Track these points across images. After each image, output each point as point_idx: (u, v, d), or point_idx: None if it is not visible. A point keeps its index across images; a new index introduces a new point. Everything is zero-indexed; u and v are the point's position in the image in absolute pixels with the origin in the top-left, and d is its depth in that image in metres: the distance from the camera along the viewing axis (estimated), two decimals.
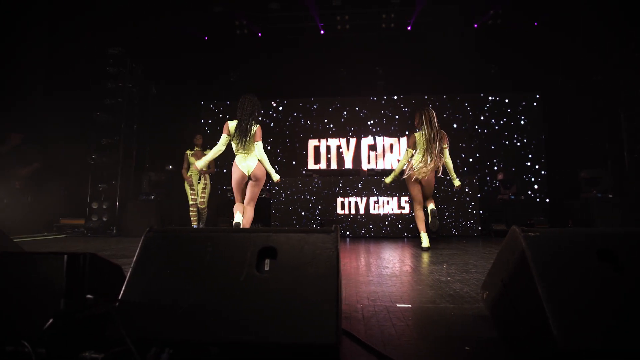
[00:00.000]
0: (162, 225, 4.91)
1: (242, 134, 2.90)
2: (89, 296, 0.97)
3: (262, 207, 5.10)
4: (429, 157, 3.38)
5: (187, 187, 4.81)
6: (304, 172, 6.84)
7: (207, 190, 4.88)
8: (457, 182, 3.66)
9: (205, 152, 4.64)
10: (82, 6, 5.60)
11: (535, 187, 6.44)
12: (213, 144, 6.39)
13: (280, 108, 7.38)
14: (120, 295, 0.98)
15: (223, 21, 7.33)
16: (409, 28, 7.42)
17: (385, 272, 2.28)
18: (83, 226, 4.96)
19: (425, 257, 3.04)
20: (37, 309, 0.97)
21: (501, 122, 6.82)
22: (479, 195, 5.08)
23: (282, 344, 0.90)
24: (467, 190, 4.99)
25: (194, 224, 4.80)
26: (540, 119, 6.69)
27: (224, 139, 2.96)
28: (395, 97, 7.26)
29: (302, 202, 5.13)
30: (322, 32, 7.69)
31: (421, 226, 3.59)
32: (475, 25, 7.20)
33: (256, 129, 2.96)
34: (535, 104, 6.77)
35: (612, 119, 5.47)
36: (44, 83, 5.47)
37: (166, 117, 6.77)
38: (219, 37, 7.54)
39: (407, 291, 1.77)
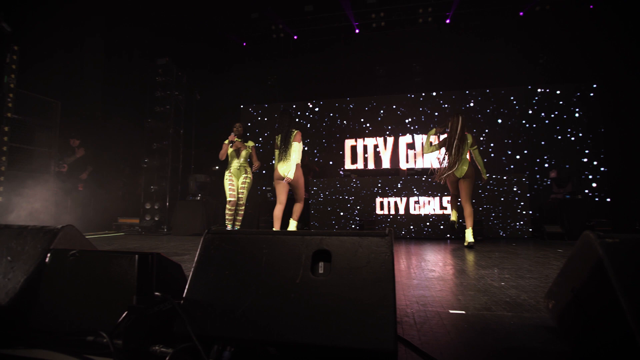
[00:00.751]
0: (207, 224, 5.15)
1: (283, 144, 3.57)
2: (157, 293, 1.04)
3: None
4: (450, 163, 3.75)
5: (226, 182, 4.21)
6: (341, 172, 6.83)
7: (247, 186, 4.27)
8: (484, 176, 3.95)
9: (246, 144, 4.30)
10: (131, 19, 6.03)
11: (594, 185, 5.91)
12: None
13: (317, 109, 7.43)
14: (184, 294, 1.04)
15: (260, 27, 7.55)
16: (447, 21, 7.16)
17: (432, 276, 2.21)
18: (138, 225, 5.35)
19: (472, 259, 2.90)
20: (112, 304, 1.05)
21: (552, 115, 6.35)
22: (528, 195, 4.77)
23: (339, 347, 0.90)
24: (515, 189, 4.70)
25: (228, 226, 4.18)
26: (598, 110, 6.14)
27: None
28: (434, 94, 7.02)
29: (340, 202, 5.13)
30: (357, 30, 7.64)
31: (466, 221, 3.79)
32: (521, 13, 6.77)
33: (295, 133, 3.59)
34: (592, 94, 6.22)
35: None
36: (101, 91, 5.97)
37: (209, 121, 7.10)
38: (256, 42, 7.77)
39: (458, 296, 1.70)
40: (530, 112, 6.48)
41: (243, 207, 4.34)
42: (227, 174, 4.22)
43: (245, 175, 4.25)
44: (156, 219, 5.23)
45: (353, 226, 5.02)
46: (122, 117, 5.53)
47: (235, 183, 4.22)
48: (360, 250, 1.01)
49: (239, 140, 4.26)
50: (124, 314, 0.97)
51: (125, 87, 6.18)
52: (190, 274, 1.07)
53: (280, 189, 3.62)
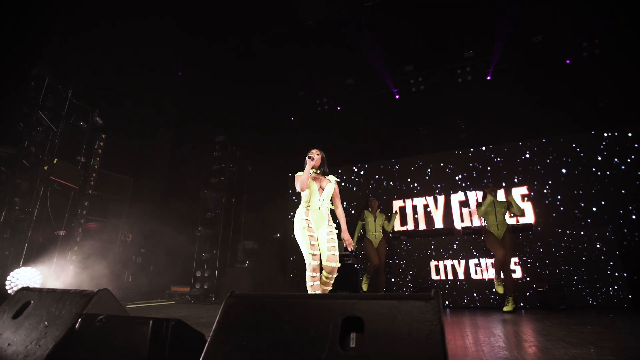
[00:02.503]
0: (254, 291, 5.05)
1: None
2: None
3: (348, 274, 4.89)
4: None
5: (303, 232, 2.60)
6: (390, 235, 6.54)
7: (335, 239, 2.68)
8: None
9: (326, 176, 2.80)
10: (195, 106, 6.96)
11: None
12: (294, 208, 6.63)
13: (362, 172, 7.47)
14: None
15: (306, 102, 8.23)
16: (488, 77, 7.16)
17: (502, 355, 1.82)
18: (188, 293, 5.43)
19: (557, 334, 2.37)
20: None
21: (628, 160, 5.62)
22: (617, 253, 4.02)
23: None
24: (598, 246, 4.01)
25: None
26: None
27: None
28: (484, 148, 6.72)
29: (391, 267, 4.76)
30: (397, 96, 7.95)
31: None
32: (568, 61, 6.56)
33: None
34: None
35: None
36: (167, 169, 6.70)
37: (260, 190, 7.46)
38: (303, 116, 8.39)
39: None
40: (599, 158, 5.83)
41: (335, 272, 2.60)
42: (302, 219, 2.63)
43: (329, 224, 2.69)
44: (205, 287, 5.28)
45: (406, 294, 4.56)
46: (180, 192, 6.07)
47: (316, 234, 2.63)
48: (399, 318, 0.85)
49: (315, 171, 2.79)
50: None
51: (187, 162, 6.89)
52: (208, 341, 0.97)
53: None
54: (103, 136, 5.08)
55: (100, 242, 4.50)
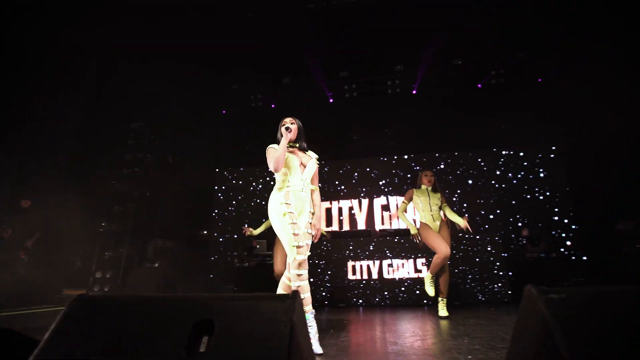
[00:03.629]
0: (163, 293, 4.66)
1: None
2: None
3: (263, 273, 4.81)
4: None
5: (285, 219, 2.11)
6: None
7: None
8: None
9: (306, 152, 2.44)
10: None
11: (568, 243, 5.84)
12: (227, 209, 6.32)
13: None
14: None
15: (240, 96, 7.93)
16: (414, 92, 7.73)
17: (392, 350, 1.92)
18: None
19: (445, 328, 2.61)
20: None
21: (519, 175, 6.54)
22: (504, 255, 4.62)
23: None
24: (489, 249, 4.56)
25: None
26: (561, 170, 6.38)
27: None
28: (406, 157, 7.23)
29: (310, 267, 4.80)
30: (331, 100, 8.12)
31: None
32: (479, 85, 7.41)
33: None
34: (552, 155, 6.53)
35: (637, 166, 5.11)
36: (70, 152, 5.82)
37: (183, 185, 6.94)
38: (235, 110, 8.06)
39: None
40: (498, 172, 6.67)
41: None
42: (281, 204, 2.15)
43: (311, 212, 2.26)
44: (106, 289, 4.72)
45: (323, 294, 4.63)
46: (83, 179, 5.32)
47: (298, 221, 2.14)
48: (253, 319, 0.80)
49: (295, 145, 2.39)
50: None
51: (96, 148, 6.10)
52: (33, 354, 0.81)
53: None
54: None
55: None
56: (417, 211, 3.67)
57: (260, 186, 7.41)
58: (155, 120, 6.39)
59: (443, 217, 3.64)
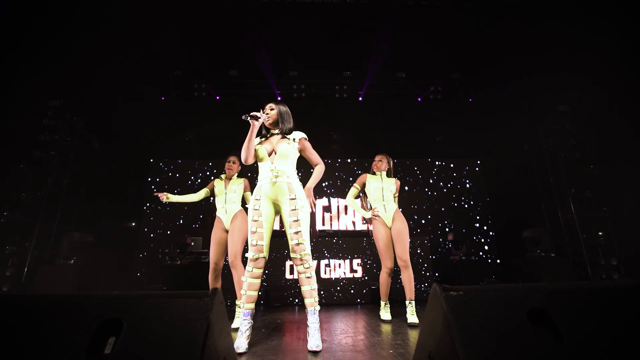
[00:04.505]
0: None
1: None
2: None
3: (197, 272, 4.59)
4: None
5: (249, 212, 2.15)
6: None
7: (303, 222, 2.08)
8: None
9: (287, 135, 2.30)
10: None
11: (486, 247, 6.54)
12: (160, 203, 5.88)
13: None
14: None
15: (182, 83, 7.46)
16: (360, 99, 8.01)
17: (323, 347, 1.95)
18: None
19: (373, 326, 2.73)
20: None
21: (449, 185, 7.14)
22: (432, 257, 5.00)
23: None
24: (419, 251, 4.90)
25: (242, 312, 2.03)
26: (483, 182, 7.11)
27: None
28: (349, 160, 7.45)
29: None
30: (279, 98, 8.05)
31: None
32: (419, 99, 7.95)
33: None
34: (477, 168, 7.25)
35: (544, 182, 5.92)
36: None
37: (109, 173, 6.30)
38: (175, 98, 7.56)
39: None
40: (431, 181, 7.21)
41: (308, 264, 2.00)
42: (252, 200, 2.16)
43: (292, 199, 2.07)
44: (5, 289, 4.07)
45: (260, 293, 4.56)
46: None
47: (266, 217, 2.07)
48: (167, 318, 0.75)
49: (274, 132, 2.30)
50: None
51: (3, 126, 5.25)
52: None
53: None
54: None
55: None
56: (369, 201, 3.16)
57: (199, 180, 7.05)
58: (79, 100, 5.71)
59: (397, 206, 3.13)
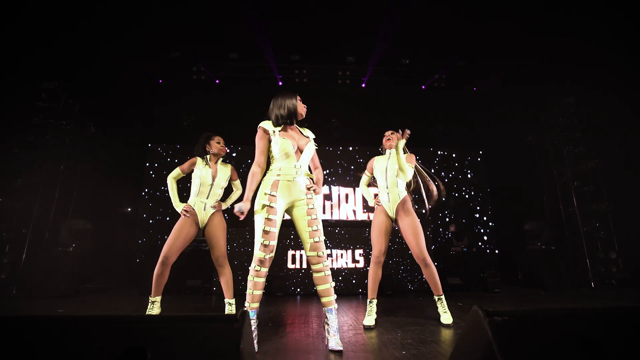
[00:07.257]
0: (79, 282, 4.13)
1: None
2: None
3: (198, 259, 4.56)
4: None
5: (262, 210, 1.96)
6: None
7: (319, 221, 2.05)
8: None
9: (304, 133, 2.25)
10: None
11: (485, 238, 6.57)
12: (159, 188, 5.82)
13: (234, 154, 7.11)
14: None
15: (181, 66, 7.24)
16: (363, 85, 7.84)
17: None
18: None
19: (379, 320, 2.73)
20: None
21: (450, 175, 7.10)
22: (432, 247, 5.00)
23: None
24: None
25: (252, 304, 1.90)
26: (484, 173, 7.08)
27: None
28: (351, 148, 7.35)
29: (249, 255, 4.67)
30: (280, 83, 7.85)
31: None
32: (423, 87, 7.80)
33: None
34: (479, 159, 7.20)
35: (546, 174, 5.90)
36: None
37: (107, 158, 6.17)
38: (174, 81, 7.36)
39: None
40: (432, 171, 7.13)
41: (325, 261, 1.96)
42: (264, 194, 1.99)
43: (309, 198, 2.05)
44: (2, 276, 4.02)
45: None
46: None
47: (279, 216, 1.97)
48: (194, 346, 0.69)
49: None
50: None
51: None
52: None
53: None
54: None
55: None
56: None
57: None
58: (74, 82, 5.51)
59: (407, 194, 2.69)
